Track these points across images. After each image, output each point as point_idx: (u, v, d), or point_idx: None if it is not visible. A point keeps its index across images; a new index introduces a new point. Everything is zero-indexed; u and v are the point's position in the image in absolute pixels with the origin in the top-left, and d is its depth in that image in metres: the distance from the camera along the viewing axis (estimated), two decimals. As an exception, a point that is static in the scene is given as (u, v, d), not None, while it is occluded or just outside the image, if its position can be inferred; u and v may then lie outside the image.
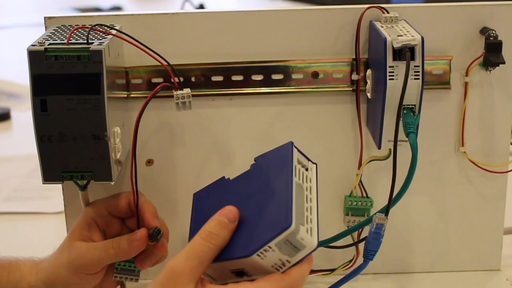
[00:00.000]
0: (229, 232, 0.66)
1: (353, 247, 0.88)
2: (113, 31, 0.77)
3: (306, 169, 0.70)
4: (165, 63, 0.78)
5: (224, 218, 0.66)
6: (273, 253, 0.63)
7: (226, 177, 0.75)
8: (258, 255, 0.64)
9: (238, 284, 0.64)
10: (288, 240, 0.63)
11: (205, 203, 0.74)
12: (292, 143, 0.69)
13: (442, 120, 0.88)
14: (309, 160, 0.71)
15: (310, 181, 0.69)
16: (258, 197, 0.68)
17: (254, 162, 0.73)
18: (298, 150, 0.70)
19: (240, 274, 0.67)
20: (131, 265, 0.82)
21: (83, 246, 0.78)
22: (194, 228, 0.72)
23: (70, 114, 0.73)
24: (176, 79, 0.78)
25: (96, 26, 0.77)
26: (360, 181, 0.89)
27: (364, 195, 0.89)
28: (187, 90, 0.78)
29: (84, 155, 0.74)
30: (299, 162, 0.69)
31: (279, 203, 0.65)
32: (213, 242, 0.65)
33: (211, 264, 0.66)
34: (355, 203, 0.88)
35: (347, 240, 0.87)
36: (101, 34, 0.77)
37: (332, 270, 0.90)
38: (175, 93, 0.78)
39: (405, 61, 0.76)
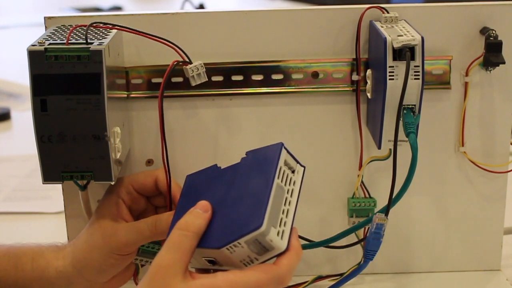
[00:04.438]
0: (204, 220, 0.68)
1: (360, 251, 0.87)
2: (114, 29, 0.78)
3: (293, 171, 0.70)
4: (170, 44, 0.79)
5: (198, 209, 0.68)
6: (242, 249, 0.65)
7: (218, 165, 0.76)
8: (227, 249, 0.65)
9: (226, 272, 0.65)
10: (257, 239, 0.64)
11: (194, 187, 0.76)
12: (282, 144, 0.70)
13: (442, 120, 0.88)
14: (297, 162, 0.71)
15: (294, 184, 0.69)
16: (239, 192, 0.69)
17: (245, 155, 0.73)
18: (288, 152, 0.70)
19: (212, 262, 0.68)
20: (154, 246, 0.82)
21: (117, 227, 0.77)
22: (179, 209, 0.73)
23: (70, 114, 0.73)
24: (185, 57, 0.79)
25: (94, 24, 0.77)
26: (362, 181, 0.89)
27: (367, 195, 0.89)
28: (198, 62, 0.79)
29: (84, 155, 0.74)
30: (286, 164, 0.69)
31: (256, 202, 0.65)
32: (190, 230, 0.67)
33: None
34: (358, 204, 0.88)
35: (351, 241, 0.87)
36: (101, 34, 0.77)
37: (341, 275, 0.87)
38: (188, 67, 0.79)
39: (405, 61, 0.76)
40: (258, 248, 0.65)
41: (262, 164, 0.69)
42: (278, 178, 0.67)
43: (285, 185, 0.68)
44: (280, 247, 0.64)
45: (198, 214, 0.68)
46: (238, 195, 0.69)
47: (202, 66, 0.79)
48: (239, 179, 0.71)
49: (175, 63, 0.78)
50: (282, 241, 0.65)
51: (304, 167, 0.71)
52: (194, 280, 0.64)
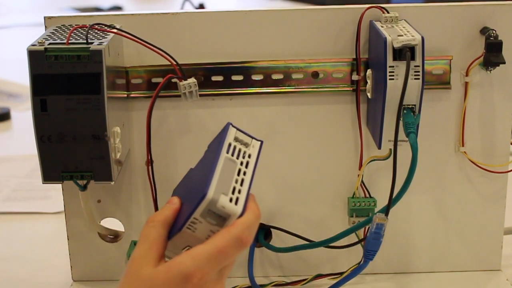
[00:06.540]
0: (170, 210, 0.69)
1: (360, 251, 0.87)
2: (114, 30, 0.77)
3: (247, 146, 0.71)
4: (167, 56, 0.79)
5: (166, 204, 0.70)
6: (201, 224, 0.65)
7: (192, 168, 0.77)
8: (188, 228, 0.66)
9: (190, 250, 0.66)
10: (210, 209, 0.65)
11: (175, 194, 0.77)
12: (229, 123, 0.71)
13: (442, 120, 0.88)
14: (253, 138, 0.72)
15: (249, 156, 0.71)
16: (196, 178, 0.71)
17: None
18: (239, 129, 0.72)
19: None
20: None
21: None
22: None
23: (70, 114, 0.73)
24: (180, 72, 0.79)
25: (95, 25, 0.77)
26: (362, 181, 0.89)
27: (367, 195, 0.89)
28: (192, 79, 0.79)
29: (84, 155, 0.74)
30: (237, 140, 0.71)
31: (203, 177, 0.67)
32: (155, 220, 0.68)
33: (168, 245, 0.68)
34: (358, 204, 0.88)
35: (351, 241, 0.87)
36: (101, 34, 0.77)
37: (340, 274, 0.88)
38: (181, 83, 0.79)
39: (405, 61, 0.76)
40: (216, 219, 0.65)
41: (214, 147, 0.71)
42: (227, 153, 0.69)
43: (237, 158, 0.69)
44: (235, 211, 0.65)
45: (164, 207, 0.69)
46: (194, 181, 0.71)
47: (195, 84, 0.79)
48: (196, 168, 0.73)
49: (168, 77, 0.78)
50: (236, 206, 0.65)
51: (261, 141, 0.72)
52: (162, 264, 0.65)
